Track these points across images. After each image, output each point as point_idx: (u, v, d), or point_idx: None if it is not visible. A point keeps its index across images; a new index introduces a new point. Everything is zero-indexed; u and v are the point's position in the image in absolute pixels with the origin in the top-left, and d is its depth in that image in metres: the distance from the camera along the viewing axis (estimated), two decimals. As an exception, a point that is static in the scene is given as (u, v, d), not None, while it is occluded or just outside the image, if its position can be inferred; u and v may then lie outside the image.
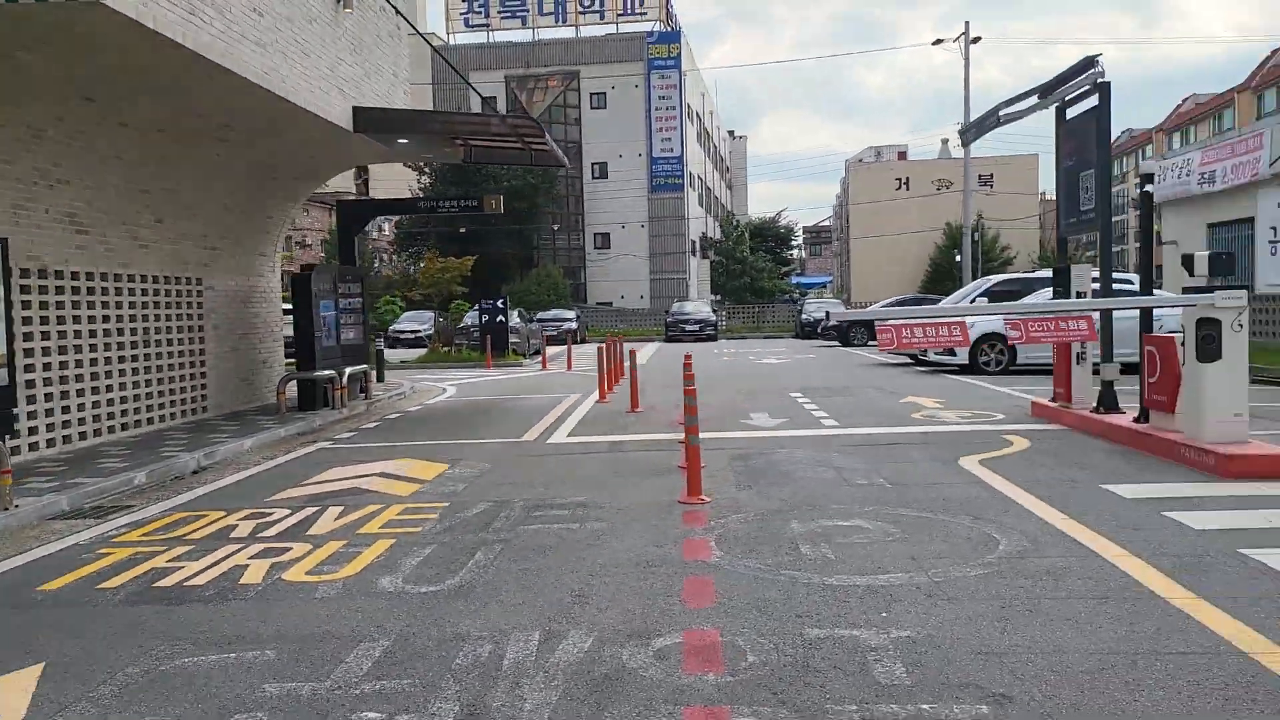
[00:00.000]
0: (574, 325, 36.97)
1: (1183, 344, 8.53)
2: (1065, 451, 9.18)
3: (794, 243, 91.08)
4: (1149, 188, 9.48)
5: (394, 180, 47.41)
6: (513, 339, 26.36)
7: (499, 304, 25.51)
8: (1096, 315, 10.29)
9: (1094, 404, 10.53)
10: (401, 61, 14.88)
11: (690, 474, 7.27)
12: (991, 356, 18.30)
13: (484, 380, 20.15)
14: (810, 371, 20.34)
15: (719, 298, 62.54)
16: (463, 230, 44.32)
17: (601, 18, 53.49)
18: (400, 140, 13.92)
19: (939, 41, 42.98)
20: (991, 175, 74.74)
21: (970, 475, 8.05)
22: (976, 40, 41.15)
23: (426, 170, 47.06)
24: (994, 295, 19.59)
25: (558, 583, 5.25)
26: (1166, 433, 8.74)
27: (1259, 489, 7.22)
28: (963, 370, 18.47)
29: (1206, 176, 23.51)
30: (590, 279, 54.46)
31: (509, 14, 53.40)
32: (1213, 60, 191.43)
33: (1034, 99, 11.44)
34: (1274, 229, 21.39)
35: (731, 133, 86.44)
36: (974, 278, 35.36)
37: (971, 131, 12.08)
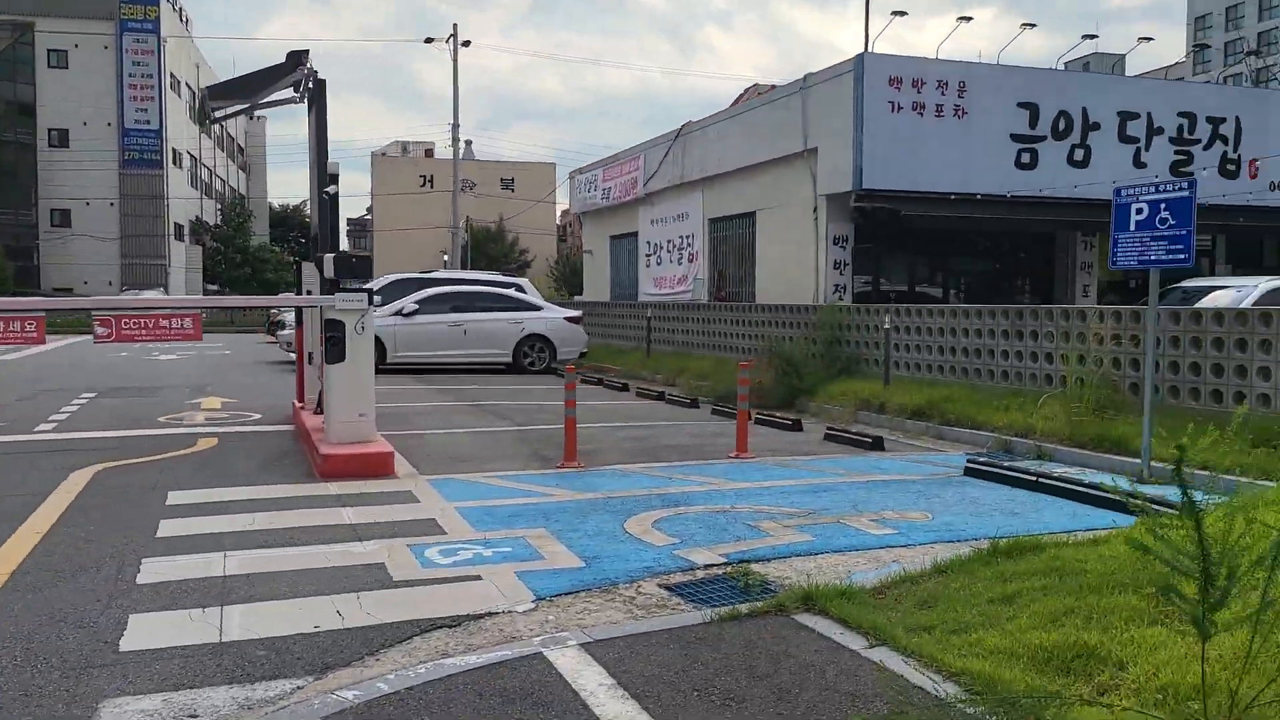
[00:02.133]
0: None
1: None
2: (222, 455, 8.91)
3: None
4: (332, 188, 9.57)
5: None
6: None
7: None
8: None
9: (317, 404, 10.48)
10: None
11: None
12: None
13: None
14: (183, 370, 18.92)
15: (217, 287, 58.04)
16: None
17: (62, -36, 46.97)
18: None
19: (430, 40, 43.53)
20: (514, 179, 77.79)
21: (56, 481, 7.37)
22: (467, 44, 43.06)
23: None
24: (387, 291, 19.68)
25: None
26: (320, 432, 8.78)
27: (328, 489, 7.34)
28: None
29: (605, 192, 25.81)
30: (46, 261, 47.59)
31: (-67, -60, 44.82)
32: (732, 91, 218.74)
33: (286, 91, 11.21)
34: (649, 243, 23.96)
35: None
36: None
37: (205, 120, 11.66)
